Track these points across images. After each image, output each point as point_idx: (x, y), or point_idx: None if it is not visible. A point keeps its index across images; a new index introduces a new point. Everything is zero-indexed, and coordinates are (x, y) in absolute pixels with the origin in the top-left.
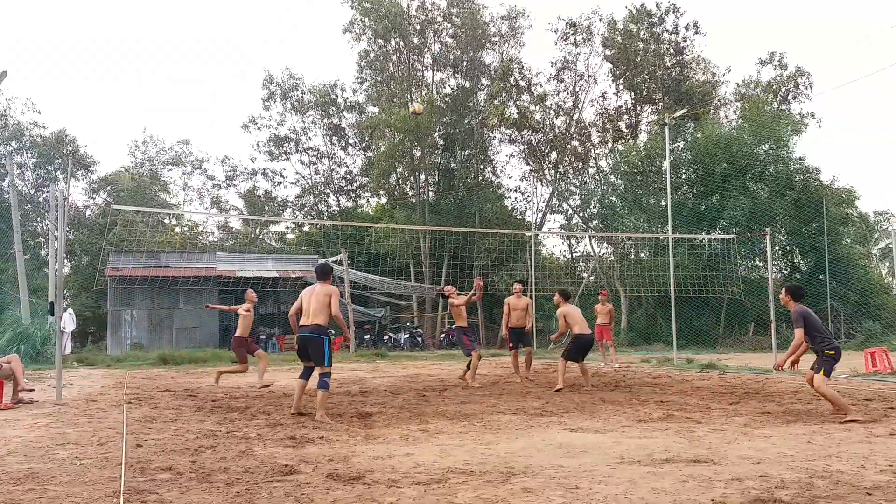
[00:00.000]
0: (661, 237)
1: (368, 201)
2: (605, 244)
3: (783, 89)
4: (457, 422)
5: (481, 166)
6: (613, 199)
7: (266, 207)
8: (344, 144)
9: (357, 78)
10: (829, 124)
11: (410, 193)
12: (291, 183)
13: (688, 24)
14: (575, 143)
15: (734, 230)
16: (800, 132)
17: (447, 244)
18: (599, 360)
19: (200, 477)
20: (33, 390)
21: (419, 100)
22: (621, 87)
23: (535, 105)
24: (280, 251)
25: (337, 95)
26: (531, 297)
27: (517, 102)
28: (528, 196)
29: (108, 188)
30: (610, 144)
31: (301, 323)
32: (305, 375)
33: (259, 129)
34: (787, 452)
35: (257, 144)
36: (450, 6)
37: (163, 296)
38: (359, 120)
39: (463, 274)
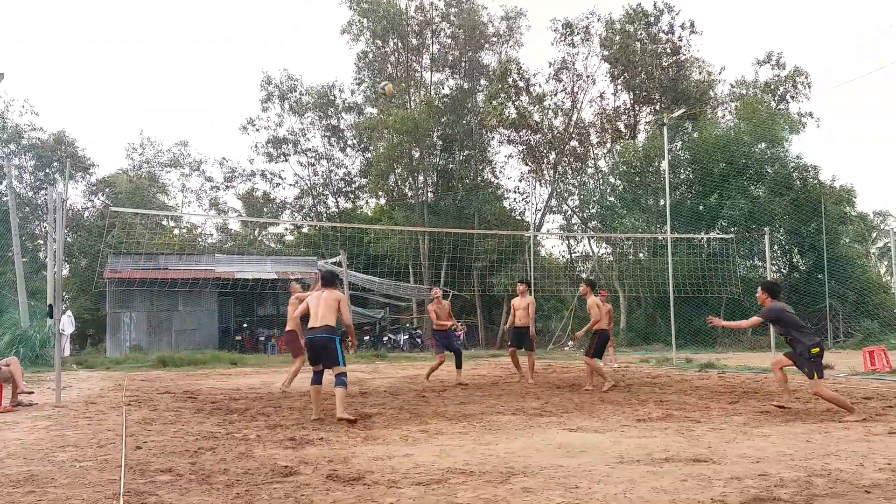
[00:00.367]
0: (660, 237)
1: (367, 202)
2: (604, 244)
3: (781, 89)
4: (456, 422)
5: (480, 167)
6: (612, 199)
7: (265, 209)
8: (342, 145)
9: (355, 79)
10: (827, 124)
11: (409, 194)
12: (290, 184)
13: (683, 24)
14: (574, 143)
15: (733, 230)
16: (798, 132)
17: (446, 245)
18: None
19: (200, 478)
20: (32, 393)
21: (390, 83)
22: (619, 87)
23: (534, 105)
24: (279, 252)
25: (335, 96)
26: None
27: (516, 103)
28: (527, 197)
29: (107, 190)
30: (608, 145)
31: (310, 326)
32: (318, 380)
33: (257, 130)
34: (786, 451)
35: (256, 146)
36: (448, 6)
37: (162, 298)
38: (357, 121)
39: (462, 275)
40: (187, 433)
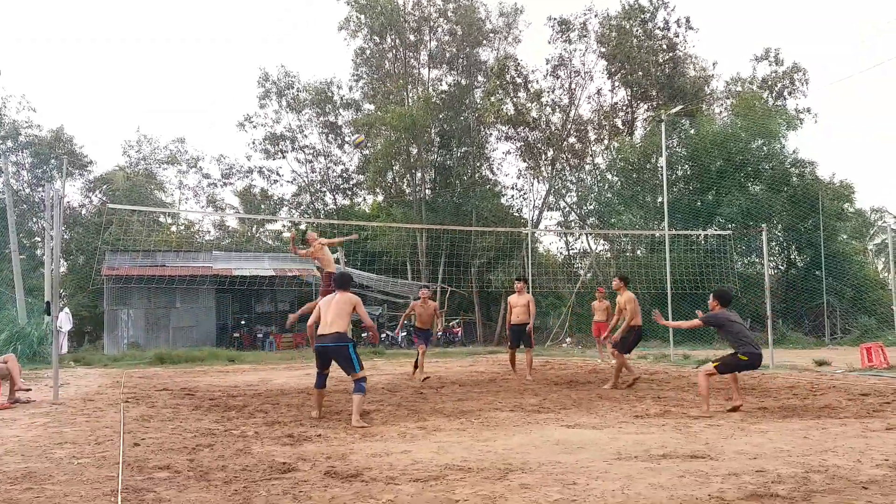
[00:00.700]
0: (658, 234)
1: (365, 199)
2: (602, 241)
3: (779, 85)
4: (454, 419)
5: (478, 163)
6: (610, 195)
7: (262, 206)
8: (340, 142)
9: (353, 75)
10: (825, 120)
11: (407, 191)
12: (288, 181)
13: (678, 20)
14: (571, 139)
15: (730, 226)
16: (795, 128)
17: (444, 242)
18: (597, 356)
19: (198, 475)
20: (30, 390)
21: (362, 135)
22: (617, 83)
23: (532, 102)
24: (277, 250)
25: (333, 93)
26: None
27: (513, 99)
28: (525, 193)
29: (104, 187)
30: (606, 141)
31: (319, 332)
32: (321, 383)
33: (255, 127)
34: (784, 447)
35: (253, 142)
36: (446, 2)
37: (159, 295)
38: (355, 117)
39: (460, 272)
40: (185, 430)
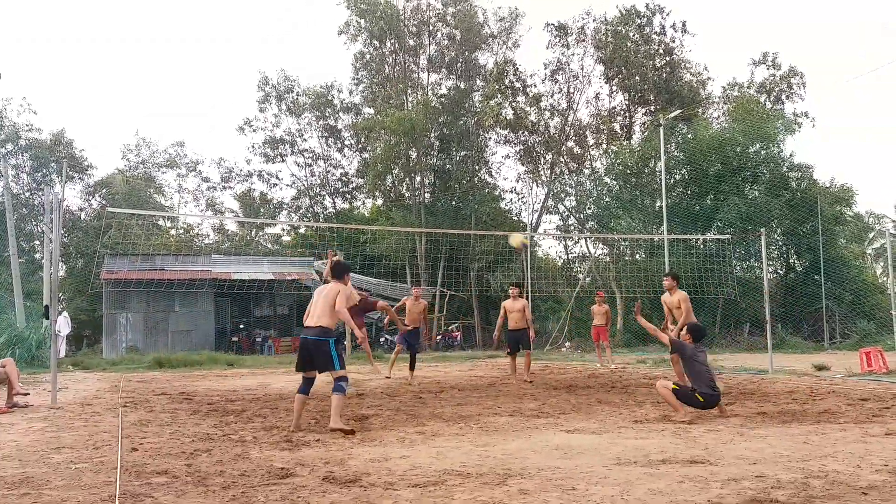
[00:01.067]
0: (657, 238)
1: (364, 203)
2: (601, 245)
3: (776, 89)
4: (453, 424)
5: (477, 167)
6: (608, 199)
7: (262, 209)
8: (340, 146)
9: (353, 79)
10: (823, 124)
11: (406, 195)
12: (287, 185)
13: (674, 25)
14: (570, 143)
15: (729, 231)
16: (793, 132)
17: (443, 246)
18: (596, 361)
19: (196, 480)
20: (28, 394)
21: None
22: (614, 88)
23: (531, 106)
24: (276, 253)
25: (333, 97)
26: (528, 299)
27: (512, 104)
28: (524, 197)
29: (103, 191)
30: (604, 145)
31: (305, 325)
32: (305, 389)
33: (254, 131)
34: (783, 452)
35: (253, 146)
36: (445, 6)
37: (158, 299)
38: (355, 121)
39: (459, 275)
40: (183, 435)
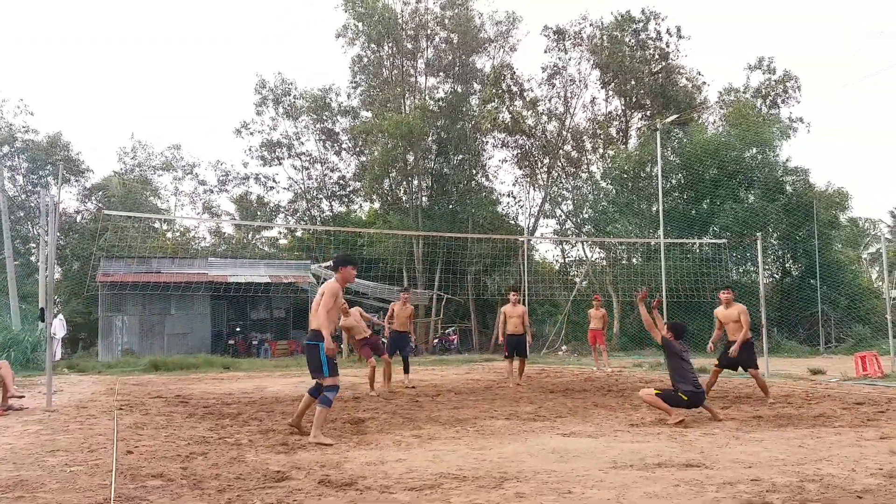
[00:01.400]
0: (653, 242)
1: (361, 206)
2: (598, 249)
3: (772, 94)
4: (450, 427)
5: (474, 171)
6: (605, 204)
7: (258, 212)
8: (337, 149)
9: (351, 82)
10: (818, 128)
11: (404, 198)
12: (284, 188)
13: (669, 30)
14: (567, 147)
15: (726, 235)
16: (788, 136)
17: (440, 249)
18: (592, 364)
19: (192, 484)
20: (23, 397)
21: None
22: (610, 93)
23: (528, 110)
24: (272, 256)
25: (331, 100)
26: (525, 303)
27: (509, 108)
28: (521, 201)
29: (100, 193)
30: (601, 150)
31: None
32: (313, 391)
33: (251, 134)
34: (779, 456)
35: (250, 149)
36: (444, 9)
37: (154, 301)
38: (352, 125)
39: (456, 279)
40: (179, 438)
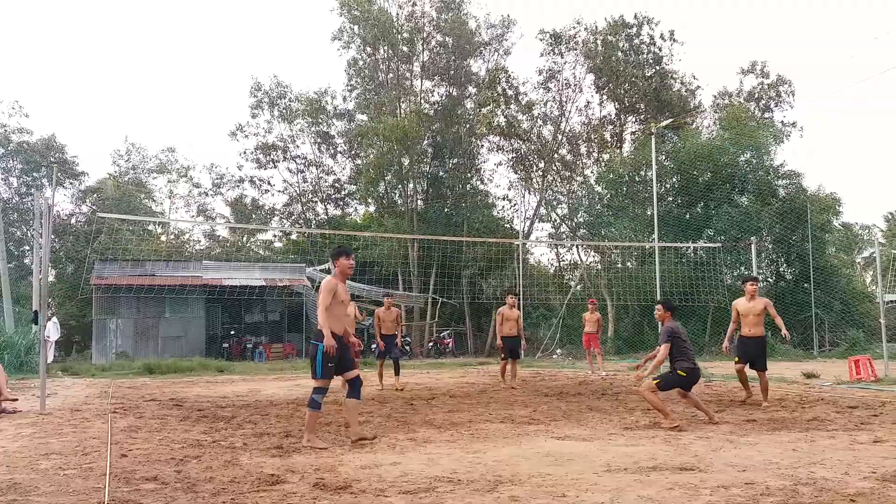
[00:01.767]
0: (648, 246)
1: (356, 209)
2: (593, 253)
3: (765, 98)
4: (444, 430)
5: (469, 175)
6: (600, 207)
7: (253, 215)
8: (333, 152)
9: (347, 85)
10: (811, 133)
11: (399, 202)
12: (279, 191)
13: (662, 34)
14: (562, 151)
15: (721, 239)
16: (782, 141)
17: (435, 252)
18: (587, 368)
19: (186, 487)
20: (17, 400)
21: None
22: (605, 97)
23: (523, 114)
24: (267, 259)
25: (327, 103)
26: (520, 306)
27: (504, 111)
28: (516, 205)
29: (94, 196)
30: (596, 154)
31: None
32: (350, 394)
33: (246, 136)
34: (773, 460)
35: (245, 152)
36: (440, 12)
37: (148, 304)
38: (348, 128)
39: (451, 282)
40: (173, 441)
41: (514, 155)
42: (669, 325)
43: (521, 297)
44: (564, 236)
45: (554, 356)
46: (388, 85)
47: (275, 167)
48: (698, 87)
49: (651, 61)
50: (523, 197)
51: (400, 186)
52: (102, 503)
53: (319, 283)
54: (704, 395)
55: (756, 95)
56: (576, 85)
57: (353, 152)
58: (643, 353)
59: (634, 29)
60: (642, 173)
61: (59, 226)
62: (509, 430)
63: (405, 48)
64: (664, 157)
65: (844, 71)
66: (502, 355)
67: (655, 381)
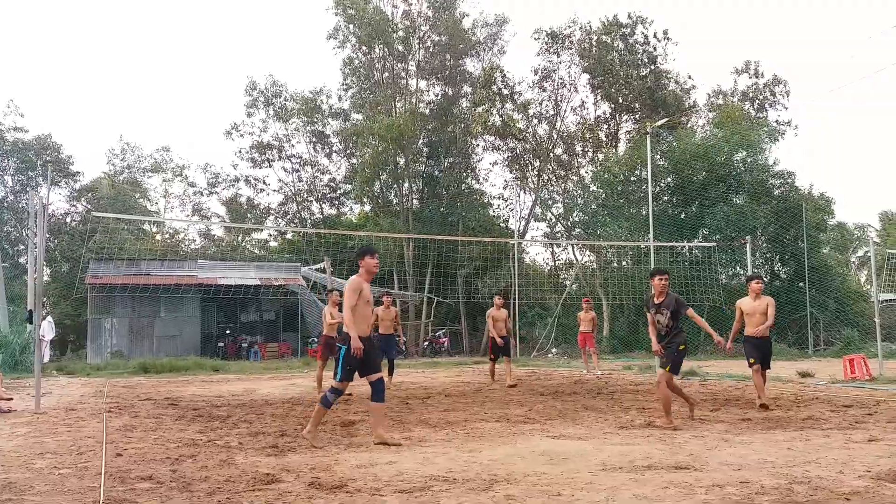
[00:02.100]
0: (643, 245)
1: (352, 209)
2: (588, 252)
3: (760, 97)
4: (440, 429)
5: (465, 174)
6: (595, 207)
7: (248, 215)
8: (328, 151)
9: (342, 84)
10: (806, 133)
11: (394, 201)
12: (274, 190)
13: (656, 34)
14: (558, 150)
15: (716, 238)
16: (777, 140)
17: (431, 252)
18: (582, 367)
19: (181, 486)
20: (11, 399)
21: None
22: (599, 96)
23: (518, 113)
24: (262, 259)
25: (322, 102)
26: (515, 305)
27: (500, 111)
28: (511, 204)
29: (89, 195)
30: (591, 154)
31: None
32: (373, 397)
33: (241, 136)
34: (768, 458)
35: (240, 151)
36: (437, 12)
37: (144, 304)
38: (343, 127)
39: (447, 282)
40: (168, 440)
41: (510, 154)
42: (676, 295)
43: (517, 296)
44: (560, 236)
45: (549, 355)
46: (383, 84)
47: (270, 166)
48: (693, 86)
49: (646, 61)
50: (518, 196)
51: (395, 186)
52: (98, 502)
53: (315, 282)
54: (700, 395)
55: (751, 95)
56: (571, 84)
57: (348, 151)
58: (638, 352)
59: (629, 28)
60: (637, 172)
61: (54, 225)
62: (505, 429)
63: (400, 47)
64: (659, 157)
65: (839, 70)
66: (492, 356)
67: (668, 369)
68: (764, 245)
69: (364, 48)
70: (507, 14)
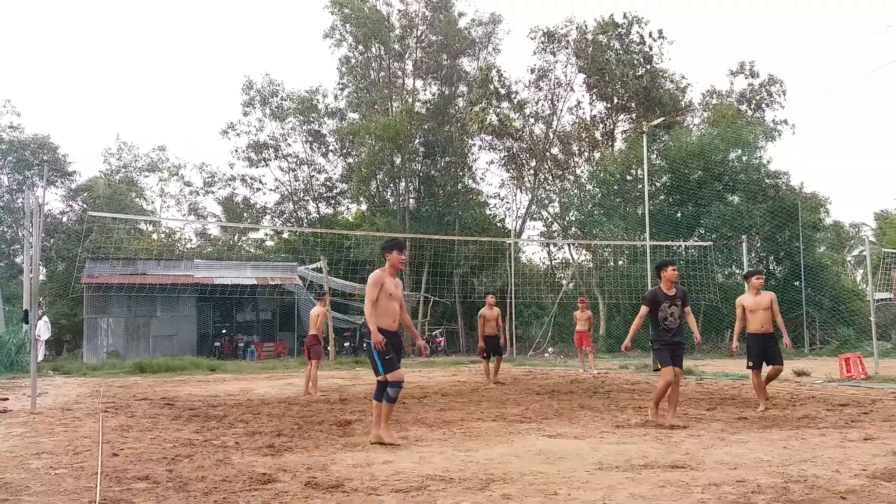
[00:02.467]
0: (639, 244)
1: (348, 208)
2: (584, 251)
3: (756, 97)
4: (436, 429)
5: (461, 173)
6: (591, 206)
7: (245, 214)
8: (324, 151)
9: (338, 83)
10: (802, 132)
11: (391, 200)
12: (270, 189)
13: (651, 33)
14: (554, 150)
15: (712, 237)
16: (773, 139)
17: (427, 251)
18: (578, 366)
19: (177, 486)
20: (7, 399)
21: None
22: (595, 96)
23: (515, 112)
24: (259, 258)
25: (318, 101)
26: (511, 305)
27: (496, 110)
28: (508, 203)
29: (85, 194)
30: (587, 153)
31: None
32: (376, 395)
33: (238, 135)
34: (764, 457)
35: (236, 150)
36: (434, 11)
37: (140, 303)
38: (339, 126)
39: (443, 281)
40: (164, 440)
41: (506, 153)
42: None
43: (513, 295)
44: (556, 235)
45: (546, 355)
46: (379, 83)
47: (266, 165)
48: (688, 85)
49: (641, 60)
50: (515, 196)
51: (392, 185)
52: (94, 502)
53: (311, 281)
54: (696, 395)
55: (748, 96)
56: (567, 84)
57: (344, 151)
58: (635, 350)
59: (624, 28)
60: (633, 172)
61: (50, 224)
62: (501, 428)
63: (397, 46)
64: (655, 156)
65: (835, 69)
66: (484, 355)
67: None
68: (759, 244)
69: (360, 47)
70: (504, 13)
